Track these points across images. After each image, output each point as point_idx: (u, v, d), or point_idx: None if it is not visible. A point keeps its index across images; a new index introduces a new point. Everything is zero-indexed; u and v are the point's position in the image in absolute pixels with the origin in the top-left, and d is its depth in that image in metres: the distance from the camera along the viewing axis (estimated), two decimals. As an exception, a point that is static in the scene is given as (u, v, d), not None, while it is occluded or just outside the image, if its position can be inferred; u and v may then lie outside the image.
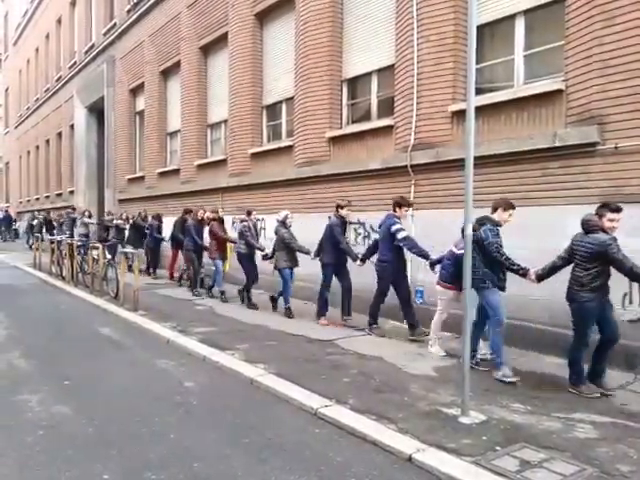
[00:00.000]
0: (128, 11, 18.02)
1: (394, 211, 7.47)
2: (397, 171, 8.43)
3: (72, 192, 23.89)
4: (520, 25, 7.23)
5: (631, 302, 5.44)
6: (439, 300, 6.71)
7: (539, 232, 6.41)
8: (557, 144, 6.40)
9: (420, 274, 7.97)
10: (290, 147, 10.94)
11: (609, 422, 4.45)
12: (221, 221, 10.70)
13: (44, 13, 28.28)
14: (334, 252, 8.18)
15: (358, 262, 7.95)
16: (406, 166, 8.18)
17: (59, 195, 26.32)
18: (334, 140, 9.94)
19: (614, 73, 5.92)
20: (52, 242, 14.39)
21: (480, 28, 6.54)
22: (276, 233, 9.02)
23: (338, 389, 5.20)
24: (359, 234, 9.18)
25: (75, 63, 23.77)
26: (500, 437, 4.11)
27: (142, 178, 17.72)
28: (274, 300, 9.36)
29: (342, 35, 9.94)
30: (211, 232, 10.50)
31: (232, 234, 11.29)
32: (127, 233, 14.74)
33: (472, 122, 4.49)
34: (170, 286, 12.26)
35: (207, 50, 14.36)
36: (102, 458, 3.86)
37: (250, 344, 6.98)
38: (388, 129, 8.85)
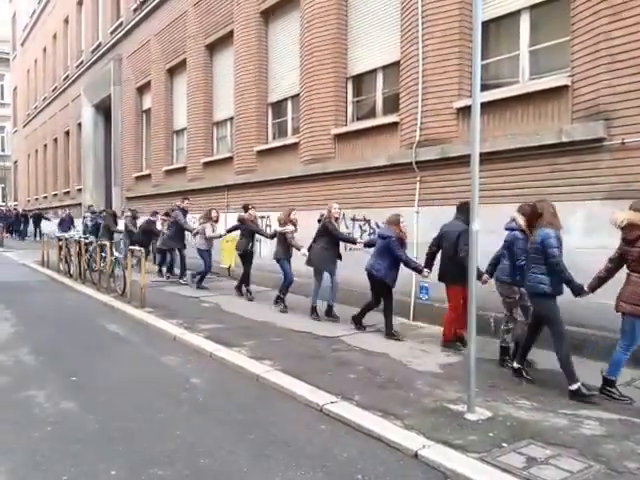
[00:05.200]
0: (134, 10, 18.06)
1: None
2: (402, 168, 8.42)
3: (80, 190, 24.02)
4: (525, 21, 7.19)
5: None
6: None
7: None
8: (563, 140, 6.37)
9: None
10: (296, 144, 10.95)
11: (616, 419, 4.44)
12: None
13: (51, 13, 28.41)
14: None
15: None
16: (411, 163, 8.17)
17: (67, 193, 26.47)
18: (339, 137, 9.93)
19: (622, 68, 5.89)
20: (60, 240, 14.44)
21: (485, 24, 6.52)
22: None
23: (344, 385, 5.20)
24: (364, 231, 9.17)
25: (82, 62, 23.88)
26: (506, 433, 4.10)
27: (149, 176, 17.79)
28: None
29: (347, 32, 9.93)
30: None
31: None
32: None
33: (477, 118, 4.47)
34: (176, 283, 12.21)
35: (213, 48, 14.38)
36: (109, 454, 3.88)
37: (256, 341, 6.99)
38: (393, 126, 8.83)
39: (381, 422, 4.34)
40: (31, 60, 32.98)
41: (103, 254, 11.31)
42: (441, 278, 6.78)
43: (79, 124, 24.15)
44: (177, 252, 12.50)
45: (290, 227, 9.16)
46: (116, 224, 14.57)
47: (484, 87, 6.02)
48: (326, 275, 8.39)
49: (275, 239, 9.57)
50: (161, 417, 4.60)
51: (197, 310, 9.20)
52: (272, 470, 3.65)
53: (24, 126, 35.54)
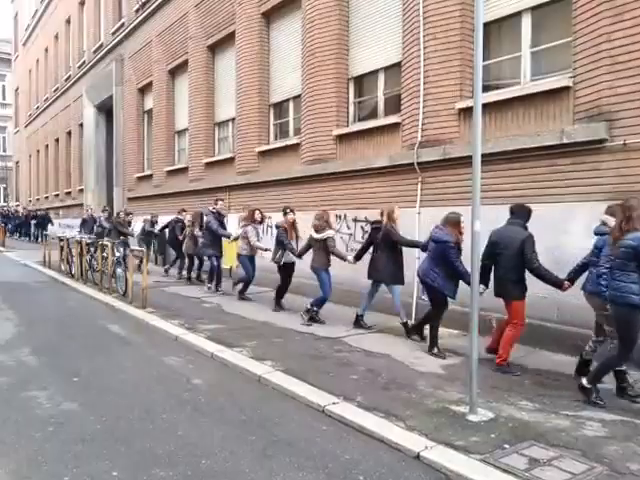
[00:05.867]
0: (136, 10, 18.08)
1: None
2: (404, 168, 8.42)
3: (81, 190, 24.07)
4: (527, 22, 7.20)
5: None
6: None
7: (550, 229, 6.38)
8: (565, 141, 6.38)
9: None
10: (297, 145, 10.95)
11: (618, 420, 4.43)
12: None
13: (53, 13, 28.44)
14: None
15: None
16: (413, 163, 8.17)
17: (68, 194, 26.50)
18: (341, 138, 9.93)
19: (623, 69, 5.89)
20: (61, 240, 14.46)
21: (487, 25, 6.53)
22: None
23: (346, 386, 5.21)
24: (366, 232, 9.15)
25: (84, 62, 23.90)
26: (508, 435, 4.10)
27: (150, 176, 17.81)
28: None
29: (348, 33, 9.94)
30: None
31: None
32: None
33: (479, 119, 4.47)
34: (178, 284, 12.23)
35: (214, 49, 14.40)
36: (111, 454, 3.88)
37: (258, 341, 7.00)
38: (395, 127, 8.84)
39: (383, 423, 4.35)
40: (33, 60, 33.02)
41: (105, 254, 11.32)
42: (501, 292, 5.83)
43: (81, 124, 24.19)
44: (214, 260, 11.02)
45: (331, 232, 8.05)
46: (125, 227, 14.45)
47: (485, 88, 6.01)
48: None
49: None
50: (163, 418, 4.60)
51: (199, 311, 9.21)
52: (274, 471, 3.65)
53: (26, 126, 35.59)
